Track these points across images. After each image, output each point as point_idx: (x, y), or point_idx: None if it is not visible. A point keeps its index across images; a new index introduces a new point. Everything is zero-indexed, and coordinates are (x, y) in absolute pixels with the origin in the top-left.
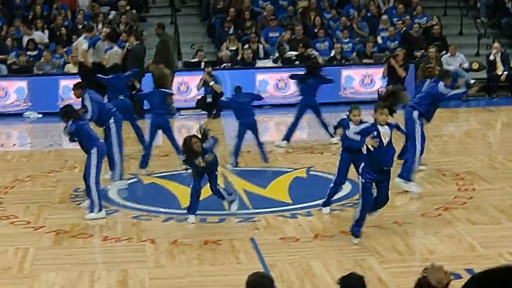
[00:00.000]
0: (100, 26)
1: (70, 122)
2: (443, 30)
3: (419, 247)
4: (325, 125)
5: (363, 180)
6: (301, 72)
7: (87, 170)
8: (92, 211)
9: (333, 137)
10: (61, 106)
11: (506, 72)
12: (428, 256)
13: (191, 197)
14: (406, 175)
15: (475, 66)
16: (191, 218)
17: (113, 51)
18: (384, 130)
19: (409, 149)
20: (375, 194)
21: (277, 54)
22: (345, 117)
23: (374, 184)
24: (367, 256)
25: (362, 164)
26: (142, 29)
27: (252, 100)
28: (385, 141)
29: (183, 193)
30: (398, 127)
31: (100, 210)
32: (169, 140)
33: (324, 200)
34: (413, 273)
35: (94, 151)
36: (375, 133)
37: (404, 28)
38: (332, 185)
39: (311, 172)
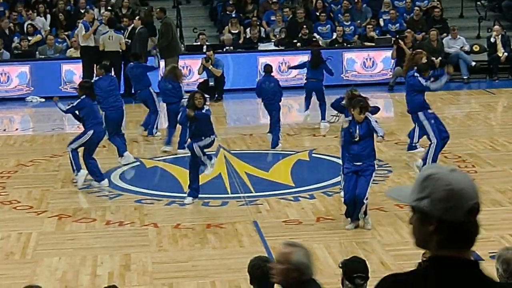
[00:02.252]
0: (102, 10)
1: (83, 96)
2: (444, 13)
3: None
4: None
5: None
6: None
7: (74, 139)
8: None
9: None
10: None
11: (506, 54)
12: None
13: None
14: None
15: (476, 48)
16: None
17: (105, 36)
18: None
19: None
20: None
21: (279, 36)
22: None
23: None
24: (370, 239)
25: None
26: (151, 6)
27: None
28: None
29: (185, 177)
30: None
31: (79, 170)
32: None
33: None
34: (416, 256)
35: (90, 132)
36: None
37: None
38: None
39: (313, 155)
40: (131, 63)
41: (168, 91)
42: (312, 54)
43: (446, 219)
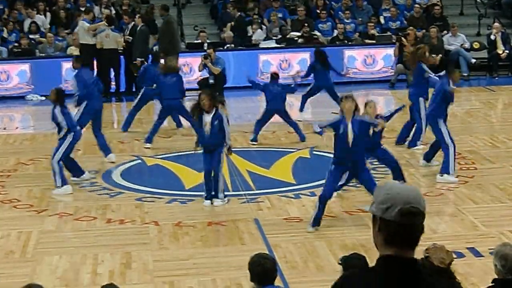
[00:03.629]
0: (103, 8)
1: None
2: (444, 10)
3: None
4: None
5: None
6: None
7: (56, 150)
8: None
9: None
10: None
11: (507, 51)
12: (431, 235)
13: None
14: (444, 169)
15: (476, 46)
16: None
17: (102, 34)
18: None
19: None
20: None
21: (280, 36)
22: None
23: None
24: (370, 235)
25: None
26: (152, 4)
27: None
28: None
29: (186, 175)
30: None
31: (64, 184)
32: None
33: None
34: (416, 252)
35: (70, 136)
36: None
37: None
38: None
39: (314, 152)
40: (150, 63)
41: (170, 85)
42: (316, 55)
43: (385, 217)
